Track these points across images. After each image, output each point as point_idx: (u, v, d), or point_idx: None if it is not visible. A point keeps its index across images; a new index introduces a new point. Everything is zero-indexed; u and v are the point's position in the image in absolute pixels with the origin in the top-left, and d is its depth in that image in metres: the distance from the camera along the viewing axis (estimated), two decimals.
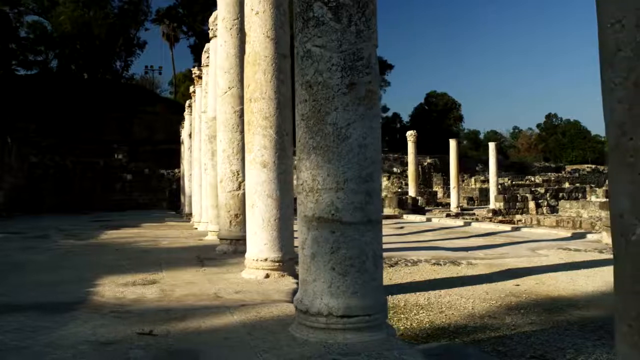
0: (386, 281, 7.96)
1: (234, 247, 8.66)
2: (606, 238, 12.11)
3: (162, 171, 29.67)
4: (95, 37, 32.57)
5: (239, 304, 5.08)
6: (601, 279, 7.99)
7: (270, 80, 6.39)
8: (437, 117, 60.75)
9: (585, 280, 7.98)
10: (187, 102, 19.97)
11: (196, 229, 14.52)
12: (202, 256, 8.61)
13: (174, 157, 29.53)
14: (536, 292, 7.19)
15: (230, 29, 8.91)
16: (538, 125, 69.75)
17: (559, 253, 10.64)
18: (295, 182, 4.75)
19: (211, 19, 10.91)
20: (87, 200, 27.63)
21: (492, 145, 28.37)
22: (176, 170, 29.06)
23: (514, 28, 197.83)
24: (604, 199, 20.42)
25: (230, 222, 8.76)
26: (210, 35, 11.11)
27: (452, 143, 27.16)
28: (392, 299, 6.76)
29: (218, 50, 9.21)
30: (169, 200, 29.06)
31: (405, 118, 64.20)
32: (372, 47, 3.87)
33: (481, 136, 69.49)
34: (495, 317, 6.02)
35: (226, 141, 8.74)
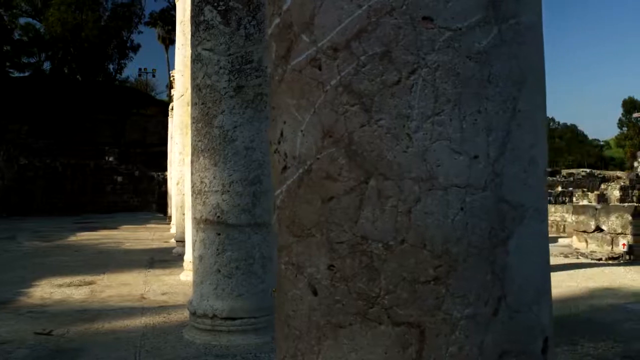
0: None
1: None
2: (576, 242, 12.06)
3: (152, 173, 29.70)
4: (86, 40, 32.74)
5: (159, 306, 5.09)
6: (553, 284, 7.94)
7: None
8: None
9: None
10: (170, 105, 20.05)
11: (170, 230, 14.54)
12: (156, 258, 8.62)
13: (165, 160, 29.52)
14: None
15: (188, 32, 8.94)
16: None
17: None
18: None
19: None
20: (77, 202, 27.65)
21: None
22: (166, 173, 29.08)
23: None
24: (584, 203, 20.34)
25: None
26: None
27: None
28: None
29: (177, 54, 9.25)
30: (158, 202, 29.08)
31: None
32: (264, 51, 3.88)
33: None
34: None
35: (181, 144, 8.76)
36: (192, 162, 3.87)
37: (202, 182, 3.73)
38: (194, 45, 3.84)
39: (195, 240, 3.82)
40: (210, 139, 3.70)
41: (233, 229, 3.67)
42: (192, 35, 3.86)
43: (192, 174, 3.85)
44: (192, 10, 3.86)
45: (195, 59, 3.81)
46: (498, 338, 0.92)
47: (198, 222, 3.77)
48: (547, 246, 1.07)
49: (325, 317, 0.96)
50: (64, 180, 28.21)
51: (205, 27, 3.75)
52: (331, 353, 0.95)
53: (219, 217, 3.67)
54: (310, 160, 0.97)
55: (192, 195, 3.86)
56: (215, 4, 3.72)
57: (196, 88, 3.79)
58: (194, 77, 3.83)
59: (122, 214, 26.22)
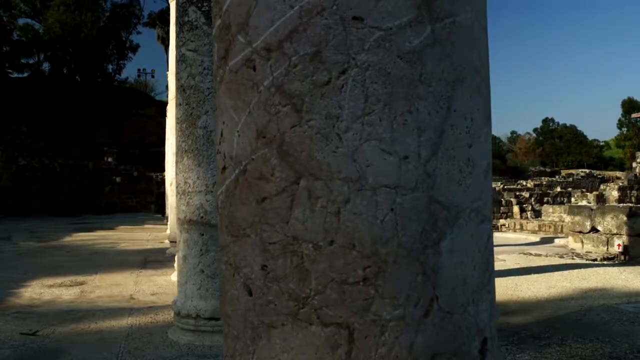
0: None
1: None
2: (572, 243, 12.05)
3: (151, 174, 29.69)
4: (85, 40, 32.78)
5: (147, 306, 5.09)
6: (546, 284, 7.94)
7: None
8: None
9: (528, 285, 7.94)
10: (167, 106, 20.08)
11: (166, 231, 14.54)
12: (150, 258, 8.63)
13: (163, 160, 29.47)
14: None
15: None
16: (535, 130, 69.91)
17: (518, 258, 10.57)
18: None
19: None
20: (75, 203, 27.66)
21: None
22: (164, 173, 29.07)
23: (510, 34, 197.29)
24: (583, 203, 20.35)
25: None
26: None
27: None
28: None
29: (170, 55, 9.25)
30: (156, 202, 29.07)
31: None
32: None
33: None
34: None
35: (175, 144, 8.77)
36: (176, 162, 3.87)
37: (185, 182, 3.73)
38: (178, 46, 3.85)
39: (180, 241, 3.82)
40: (194, 140, 3.70)
41: (216, 230, 3.66)
42: (177, 36, 3.86)
43: (176, 174, 3.85)
44: (177, 11, 3.87)
45: (180, 60, 3.81)
46: (429, 340, 0.92)
47: (182, 222, 3.78)
48: (489, 246, 1.07)
49: (260, 317, 0.96)
50: (63, 181, 28.23)
51: (189, 27, 3.75)
52: (265, 353, 0.95)
53: (202, 217, 3.67)
54: (246, 160, 0.97)
55: (176, 195, 3.87)
56: (199, 5, 3.72)
57: (180, 89, 3.79)
58: (178, 78, 3.84)
59: (120, 215, 26.23)
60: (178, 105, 3.83)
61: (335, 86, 0.91)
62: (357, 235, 0.89)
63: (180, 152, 3.78)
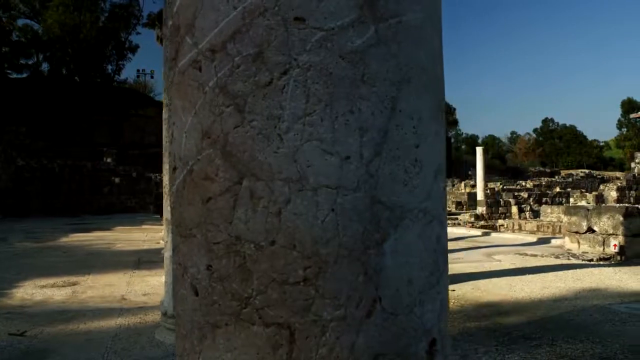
0: None
1: None
2: (568, 243, 12.03)
3: (150, 174, 29.68)
4: (84, 41, 32.86)
5: (138, 307, 5.10)
6: (541, 285, 7.93)
7: None
8: None
9: (522, 285, 7.93)
10: None
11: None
12: (144, 259, 8.63)
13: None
14: (467, 298, 7.13)
15: None
16: (535, 130, 69.97)
17: (514, 258, 10.56)
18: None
19: None
20: (74, 203, 27.66)
21: (479, 150, 28.23)
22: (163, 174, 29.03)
23: (509, 33, 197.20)
24: (582, 203, 20.32)
25: None
26: None
27: None
28: None
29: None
30: (155, 203, 29.07)
31: None
32: None
33: (480, 141, 69.51)
34: None
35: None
36: (163, 163, 3.87)
37: None
38: (166, 47, 3.85)
39: (167, 241, 3.82)
40: None
41: None
42: (165, 37, 3.86)
43: (163, 175, 3.85)
44: (165, 11, 3.87)
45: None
46: (371, 340, 0.92)
47: (169, 222, 3.78)
48: (439, 247, 1.06)
49: (205, 317, 0.96)
50: (62, 181, 28.24)
51: None
52: (210, 353, 0.95)
53: None
54: (192, 161, 0.98)
55: (164, 196, 3.87)
56: None
57: (168, 89, 3.79)
58: (166, 79, 3.84)
59: (119, 215, 26.24)
60: (166, 105, 3.84)
61: (277, 87, 0.91)
62: (297, 235, 0.90)
63: (167, 153, 3.78)
